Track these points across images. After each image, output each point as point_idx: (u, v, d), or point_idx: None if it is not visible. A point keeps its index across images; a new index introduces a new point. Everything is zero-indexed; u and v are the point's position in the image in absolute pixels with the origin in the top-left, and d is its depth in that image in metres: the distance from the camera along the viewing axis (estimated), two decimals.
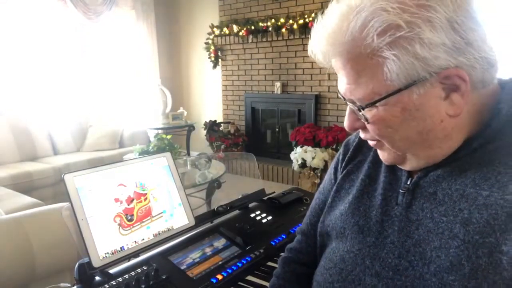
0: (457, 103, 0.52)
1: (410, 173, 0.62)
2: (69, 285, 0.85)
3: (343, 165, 0.75)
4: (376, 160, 0.68)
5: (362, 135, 0.63)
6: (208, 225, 1.10)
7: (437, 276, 0.51)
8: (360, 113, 0.57)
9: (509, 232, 0.47)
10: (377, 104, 0.54)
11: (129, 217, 0.92)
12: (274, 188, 1.40)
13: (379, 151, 0.64)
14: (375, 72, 0.52)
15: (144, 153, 2.91)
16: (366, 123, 0.58)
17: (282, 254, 0.86)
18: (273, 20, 4.23)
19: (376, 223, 0.62)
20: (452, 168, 0.56)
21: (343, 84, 0.57)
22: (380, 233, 0.61)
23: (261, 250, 1.00)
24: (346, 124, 0.62)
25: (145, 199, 0.96)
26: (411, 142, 0.56)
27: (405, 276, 0.55)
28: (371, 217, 0.63)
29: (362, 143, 0.74)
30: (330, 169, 0.80)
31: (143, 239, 0.93)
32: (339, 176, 0.75)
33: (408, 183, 0.60)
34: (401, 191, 0.61)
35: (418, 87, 0.51)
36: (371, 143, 0.63)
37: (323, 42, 0.56)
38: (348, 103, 0.60)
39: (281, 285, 0.78)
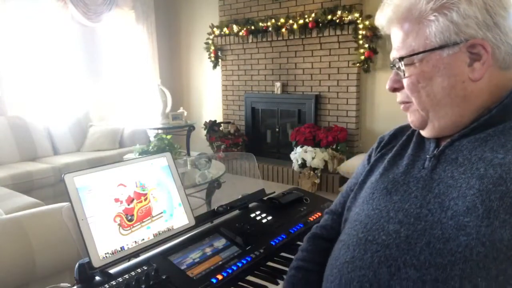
0: (478, 70, 0.62)
1: (437, 144, 0.71)
2: (69, 285, 0.85)
3: (378, 150, 0.84)
4: (406, 142, 0.78)
5: (398, 98, 0.73)
6: (208, 225, 1.10)
7: (454, 219, 0.58)
8: (400, 63, 0.67)
9: None
10: (414, 61, 0.66)
11: (129, 217, 0.92)
12: (274, 188, 1.41)
13: (408, 116, 0.73)
14: (420, 33, 0.65)
15: (144, 153, 2.91)
16: (403, 76, 0.68)
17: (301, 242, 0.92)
18: (273, 20, 4.23)
19: (403, 184, 0.70)
20: (475, 139, 0.64)
21: (394, 48, 0.69)
22: (406, 191, 0.68)
23: (261, 250, 1.00)
24: (388, 84, 0.72)
25: (145, 199, 0.96)
26: (435, 99, 0.66)
27: (425, 221, 0.62)
28: (398, 181, 0.71)
29: (397, 133, 0.85)
30: (364, 157, 0.89)
31: (143, 239, 0.93)
32: (372, 159, 0.83)
33: (435, 151, 0.69)
34: (428, 157, 0.70)
35: (449, 48, 0.62)
36: (401, 107, 0.73)
37: (388, 9, 0.68)
38: (394, 65, 0.70)
39: (305, 256, 0.85)
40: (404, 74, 0.68)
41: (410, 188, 0.68)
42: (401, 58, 0.67)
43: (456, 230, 0.57)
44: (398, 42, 0.69)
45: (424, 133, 0.72)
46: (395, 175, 0.73)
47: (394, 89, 0.72)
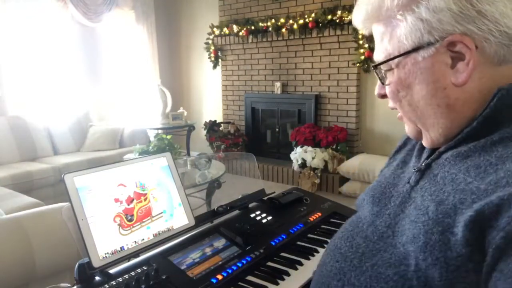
0: (462, 72, 0.53)
1: (431, 154, 0.63)
2: (69, 285, 0.85)
3: (393, 152, 0.80)
4: (414, 146, 0.72)
5: (389, 104, 0.66)
6: (208, 225, 1.10)
7: (404, 246, 0.54)
8: (376, 72, 0.62)
9: (463, 216, 0.46)
10: (392, 67, 0.59)
11: (129, 217, 0.92)
12: (274, 188, 1.40)
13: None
14: (392, 34, 0.58)
15: (144, 153, 2.91)
16: (382, 84, 0.62)
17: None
18: (273, 20, 4.23)
19: (386, 197, 0.66)
20: (458, 154, 0.55)
21: (375, 51, 0.63)
22: (385, 205, 0.65)
23: (261, 250, 1.00)
24: (375, 91, 0.66)
25: (145, 199, 0.96)
26: (417, 110, 0.59)
27: (385, 242, 0.58)
28: (385, 192, 0.67)
29: None
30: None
31: (143, 239, 0.93)
32: (390, 157, 0.80)
33: (423, 164, 0.62)
34: (413, 171, 0.64)
35: (424, 50, 0.54)
36: (398, 115, 0.66)
37: (361, 8, 0.62)
38: (373, 68, 0.64)
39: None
40: (382, 82, 0.62)
41: (390, 202, 0.64)
42: (376, 66, 0.61)
43: (402, 258, 0.53)
44: (376, 44, 0.62)
45: (423, 143, 0.65)
46: (387, 183, 0.69)
47: (382, 96, 0.65)
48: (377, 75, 0.63)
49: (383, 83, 0.62)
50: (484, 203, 0.45)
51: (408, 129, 0.65)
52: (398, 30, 0.56)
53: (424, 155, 0.65)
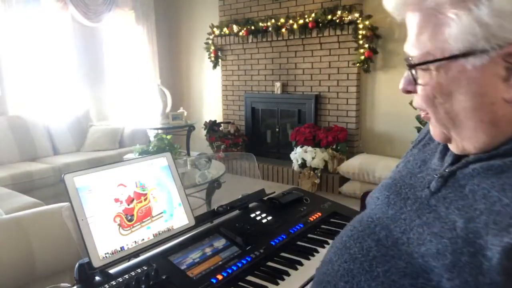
0: None
1: (456, 160, 0.58)
2: (69, 285, 0.85)
3: (411, 146, 0.75)
4: (436, 146, 0.66)
5: (414, 101, 0.58)
6: (208, 225, 1.10)
7: (424, 258, 0.51)
8: (411, 71, 0.53)
9: (499, 240, 0.43)
10: (430, 67, 0.51)
11: (129, 217, 0.92)
12: (274, 188, 1.40)
13: (429, 124, 0.60)
14: (436, 31, 0.49)
15: (144, 153, 2.91)
16: (415, 82, 0.54)
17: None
18: (273, 20, 4.23)
19: (402, 199, 0.62)
20: (491, 166, 0.50)
21: (408, 41, 0.55)
22: (400, 208, 0.61)
23: (261, 250, 1.00)
24: (401, 83, 0.58)
25: (145, 199, 0.96)
26: (455, 119, 0.52)
27: (399, 249, 0.55)
28: (401, 193, 0.63)
29: None
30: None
31: (143, 239, 0.93)
32: (412, 147, 0.75)
33: (447, 170, 0.57)
34: (435, 176, 0.58)
35: (476, 58, 0.46)
36: (421, 113, 0.58)
37: None
38: (406, 61, 0.56)
39: None
40: (415, 81, 0.54)
41: (405, 206, 0.60)
42: (412, 64, 0.53)
43: (421, 270, 0.50)
44: (411, 34, 0.54)
45: (450, 147, 0.58)
46: (403, 183, 0.64)
47: (408, 92, 0.58)
48: (409, 69, 0.55)
49: (415, 82, 0.54)
50: None
51: (434, 132, 0.58)
52: (447, 29, 0.48)
53: (448, 159, 0.59)
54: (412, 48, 0.53)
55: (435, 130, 0.57)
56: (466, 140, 0.53)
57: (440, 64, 0.49)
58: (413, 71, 0.53)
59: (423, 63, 0.51)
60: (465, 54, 0.47)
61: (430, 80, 0.51)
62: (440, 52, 0.49)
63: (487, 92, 0.47)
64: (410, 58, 0.53)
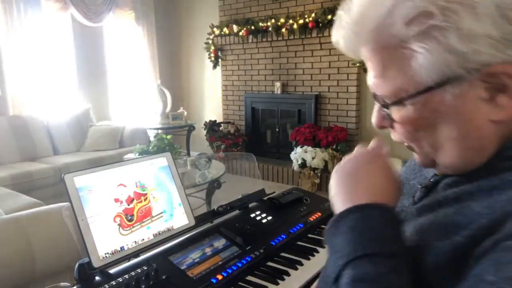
0: (504, 106, 0.43)
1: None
2: (69, 285, 0.85)
3: None
4: None
5: (392, 136, 0.54)
6: (208, 225, 1.10)
7: None
8: (386, 111, 0.51)
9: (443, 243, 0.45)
10: (405, 103, 0.47)
11: (129, 217, 0.92)
12: (274, 188, 1.40)
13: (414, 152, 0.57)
14: (403, 66, 0.46)
15: (144, 153, 2.91)
16: (390, 119, 0.51)
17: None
18: (273, 20, 4.23)
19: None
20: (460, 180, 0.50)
21: (370, 77, 0.51)
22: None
23: (261, 250, 1.00)
24: (374, 121, 0.55)
25: (145, 199, 0.96)
26: (440, 150, 0.49)
27: None
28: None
29: None
30: None
31: (143, 239, 0.93)
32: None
33: (431, 180, 0.56)
34: (419, 186, 0.58)
35: (453, 86, 0.44)
36: (406, 144, 0.55)
37: (346, 30, 0.50)
38: (374, 99, 0.53)
39: None
40: (392, 120, 0.51)
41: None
42: (385, 104, 0.50)
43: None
44: (374, 73, 0.50)
45: (435, 170, 0.56)
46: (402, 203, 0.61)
47: (383, 127, 0.54)
48: (380, 107, 0.52)
49: (391, 118, 0.51)
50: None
51: (418, 160, 0.54)
52: (414, 62, 0.44)
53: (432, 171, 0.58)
54: (380, 85, 0.50)
55: (419, 158, 0.54)
56: (450, 167, 0.51)
57: (416, 99, 0.46)
58: (385, 109, 0.51)
59: (399, 101, 0.48)
60: (440, 84, 0.44)
61: (408, 116, 0.48)
62: (414, 87, 0.46)
63: (472, 118, 0.45)
64: (379, 96, 0.51)
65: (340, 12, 0.51)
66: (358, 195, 0.51)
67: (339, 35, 0.51)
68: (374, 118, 0.55)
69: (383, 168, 0.55)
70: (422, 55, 0.43)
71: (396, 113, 0.50)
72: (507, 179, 0.44)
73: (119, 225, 0.89)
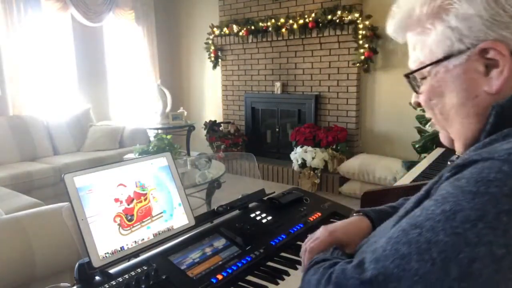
0: (495, 79, 0.51)
1: None
2: (69, 285, 0.85)
3: None
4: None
5: (426, 114, 0.66)
6: (208, 225, 1.10)
7: None
8: (412, 82, 0.61)
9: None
10: (425, 74, 0.58)
11: (129, 217, 0.92)
12: (274, 188, 1.40)
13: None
14: (423, 43, 0.57)
15: (144, 153, 2.91)
16: (415, 93, 0.62)
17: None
18: (273, 20, 4.23)
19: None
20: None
21: (410, 59, 0.62)
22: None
23: (261, 250, 1.00)
24: (412, 99, 0.65)
25: (145, 199, 0.96)
26: (448, 118, 0.58)
27: None
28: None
29: None
30: None
31: (143, 239, 0.93)
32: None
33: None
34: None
35: (456, 58, 0.53)
36: (431, 121, 0.66)
37: (396, 16, 0.61)
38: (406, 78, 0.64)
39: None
40: (415, 90, 0.62)
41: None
42: (408, 75, 0.61)
43: None
44: (410, 52, 0.62)
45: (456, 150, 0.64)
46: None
47: (418, 104, 0.64)
48: (410, 84, 0.62)
49: (416, 92, 0.62)
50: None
51: (441, 137, 0.64)
52: (429, 39, 0.56)
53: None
54: (411, 64, 0.61)
55: (440, 134, 0.64)
56: (459, 138, 0.58)
57: (430, 69, 0.57)
58: (416, 83, 0.61)
59: (416, 71, 0.59)
60: (446, 57, 0.54)
61: (426, 87, 0.59)
62: (429, 59, 0.57)
63: (470, 87, 0.53)
64: (407, 75, 0.62)
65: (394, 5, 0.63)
66: None
67: (390, 23, 0.63)
68: (412, 98, 0.65)
69: None
70: (432, 32, 0.55)
71: (422, 86, 0.60)
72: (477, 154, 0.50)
73: (119, 225, 0.89)
